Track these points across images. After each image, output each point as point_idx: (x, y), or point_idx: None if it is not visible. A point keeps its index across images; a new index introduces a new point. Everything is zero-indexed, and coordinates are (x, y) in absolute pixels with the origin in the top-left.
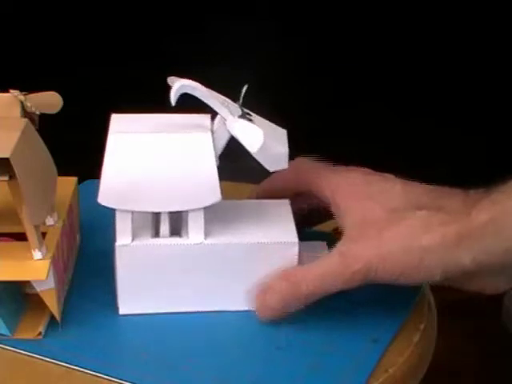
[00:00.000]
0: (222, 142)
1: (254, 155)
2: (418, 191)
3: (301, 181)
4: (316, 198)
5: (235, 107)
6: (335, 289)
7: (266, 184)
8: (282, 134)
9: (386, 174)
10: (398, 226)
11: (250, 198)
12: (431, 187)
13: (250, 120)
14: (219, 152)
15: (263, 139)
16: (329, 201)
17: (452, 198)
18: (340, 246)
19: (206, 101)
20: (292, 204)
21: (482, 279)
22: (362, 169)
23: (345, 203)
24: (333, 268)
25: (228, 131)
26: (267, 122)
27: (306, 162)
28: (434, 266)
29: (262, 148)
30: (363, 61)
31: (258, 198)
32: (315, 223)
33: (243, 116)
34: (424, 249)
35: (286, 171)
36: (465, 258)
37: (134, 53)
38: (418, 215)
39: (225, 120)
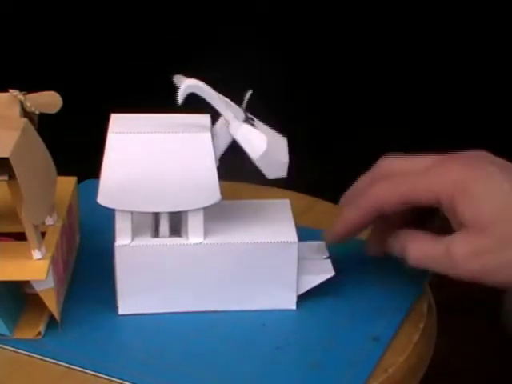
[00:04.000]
0: (224, 145)
1: (255, 161)
2: None
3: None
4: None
5: (239, 111)
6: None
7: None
8: (282, 142)
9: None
10: None
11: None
12: None
13: (253, 125)
14: (219, 154)
15: (266, 146)
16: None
17: None
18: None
19: (211, 102)
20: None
21: None
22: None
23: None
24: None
25: (230, 134)
26: (269, 128)
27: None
28: None
29: (264, 155)
30: (363, 61)
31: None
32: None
33: (247, 121)
34: None
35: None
36: None
37: (134, 53)
38: None
39: (228, 123)
